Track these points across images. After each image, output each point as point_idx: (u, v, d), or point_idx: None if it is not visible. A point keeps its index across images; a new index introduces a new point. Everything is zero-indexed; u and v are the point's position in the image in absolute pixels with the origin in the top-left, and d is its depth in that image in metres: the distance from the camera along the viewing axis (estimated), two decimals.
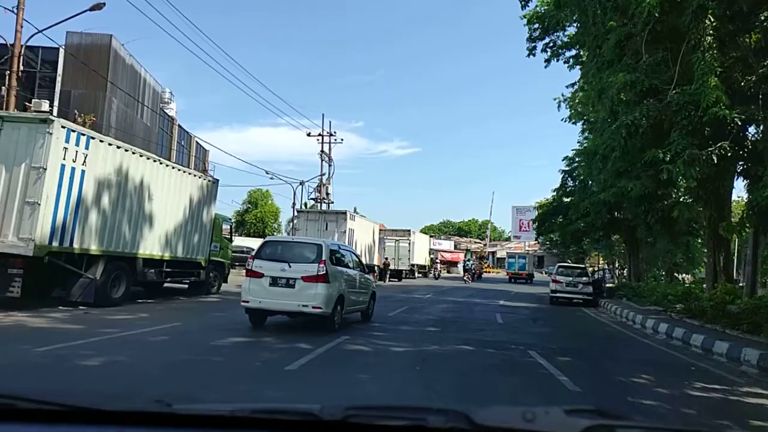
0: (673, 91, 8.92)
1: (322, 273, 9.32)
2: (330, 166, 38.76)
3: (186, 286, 16.85)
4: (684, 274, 42.58)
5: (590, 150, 15.03)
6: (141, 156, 13.39)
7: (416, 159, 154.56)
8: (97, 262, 12.09)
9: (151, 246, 13.83)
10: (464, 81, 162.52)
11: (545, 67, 22.90)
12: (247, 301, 9.51)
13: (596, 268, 30.69)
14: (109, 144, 12.30)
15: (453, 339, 10.14)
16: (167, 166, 14.53)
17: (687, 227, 17.26)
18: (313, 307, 9.25)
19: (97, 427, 1.29)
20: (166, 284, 16.19)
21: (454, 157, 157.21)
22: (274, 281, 9.40)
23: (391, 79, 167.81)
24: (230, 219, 18.63)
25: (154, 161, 13.94)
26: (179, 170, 15.13)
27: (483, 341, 10.15)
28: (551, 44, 22.26)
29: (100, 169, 11.93)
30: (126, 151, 12.84)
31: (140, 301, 14.12)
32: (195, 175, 16.04)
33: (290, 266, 9.40)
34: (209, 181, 16.77)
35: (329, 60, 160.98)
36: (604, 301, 21.47)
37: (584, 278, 22.27)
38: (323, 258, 9.49)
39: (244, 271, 10.13)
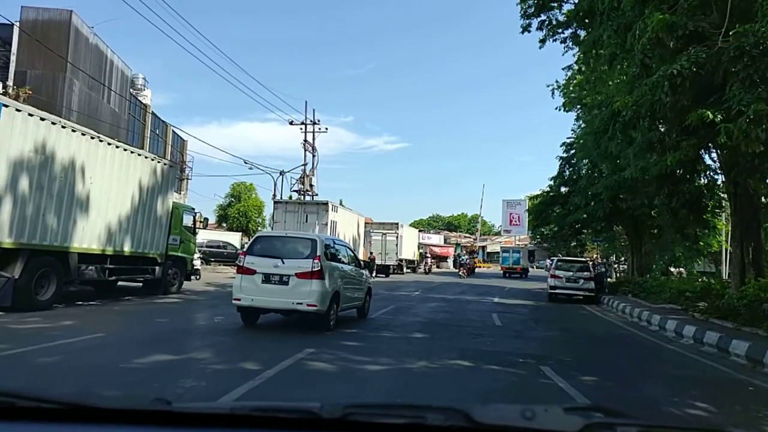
0: (731, 32, 7.00)
1: (316, 269, 8.88)
2: (314, 156, 36.67)
3: (141, 284, 14.83)
4: (678, 268, 41.04)
5: (599, 128, 13.17)
6: (74, 131, 11.26)
7: (405, 154, 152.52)
8: (16, 258, 10.01)
9: (89, 239, 11.74)
10: (454, 79, 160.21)
11: (540, 47, 21.28)
12: (239, 299, 9.07)
13: (596, 262, 28.94)
14: (30, 114, 10.14)
15: (445, 350, 8.21)
16: (109, 144, 12.39)
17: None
18: (308, 305, 8.77)
19: (96, 426, 1.28)
20: (120, 283, 14.20)
21: (443, 152, 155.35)
22: (267, 278, 8.97)
23: (382, 75, 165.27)
24: (194, 209, 16.52)
25: (92, 138, 11.81)
26: (125, 150, 13.00)
27: (481, 352, 8.24)
28: (547, 22, 20.70)
29: (17, 145, 9.81)
30: (53, 124, 10.70)
31: (80, 303, 12.05)
32: (147, 157, 13.91)
33: (283, 262, 8.97)
34: (165, 164, 14.65)
35: (320, 57, 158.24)
36: (607, 298, 19.70)
37: (585, 273, 20.45)
38: (318, 253, 9.03)
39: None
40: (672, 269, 39.73)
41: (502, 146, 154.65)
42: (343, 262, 10.36)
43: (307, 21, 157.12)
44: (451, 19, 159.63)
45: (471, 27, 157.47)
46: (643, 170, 9.69)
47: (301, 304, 8.77)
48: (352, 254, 11.68)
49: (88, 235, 11.70)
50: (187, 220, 16.10)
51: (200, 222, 17.07)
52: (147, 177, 13.68)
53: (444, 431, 1.24)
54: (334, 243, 10.76)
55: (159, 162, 14.35)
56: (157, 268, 14.31)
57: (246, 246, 10.29)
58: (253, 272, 9.05)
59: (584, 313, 16.72)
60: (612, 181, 13.76)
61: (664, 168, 9.66)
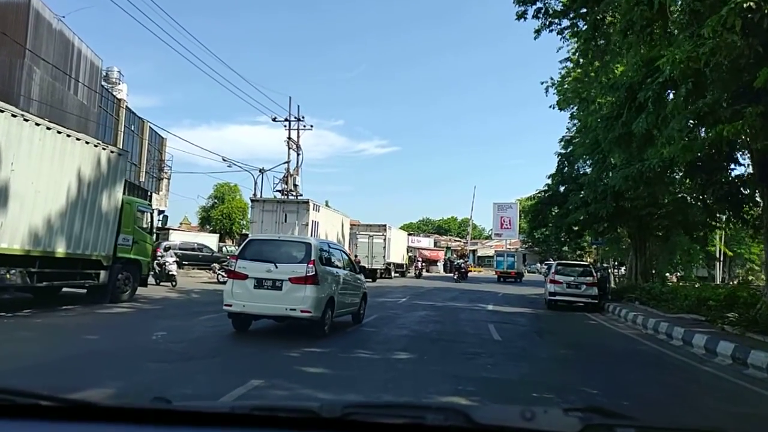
0: None
1: (311, 274, 8.61)
2: (298, 154, 34.74)
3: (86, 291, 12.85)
4: (675, 273, 39.67)
5: (611, 112, 11.51)
6: None
7: (396, 158, 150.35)
8: None
9: (9, 237, 9.79)
10: (445, 81, 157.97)
11: (535, 38, 19.86)
12: (230, 305, 8.76)
13: (596, 267, 27.25)
14: None
15: (435, 379, 6.38)
16: (38, 125, 10.43)
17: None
18: (302, 311, 8.50)
19: (97, 424, 1.27)
20: (66, 288, 12.24)
21: (433, 155, 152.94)
22: (259, 283, 8.72)
23: (372, 78, 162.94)
24: (149, 205, 14.58)
25: (14, 116, 9.86)
26: (60, 133, 11.01)
27: (481, 381, 6.46)
28: (543, 11, 19.31)
29: None
30: None
31: (2, 314, 10.08)
32: (89, 143, 11.91)
33: (276, 267, 8.70)
34: (113, 151, 12.65)
35: (309, 58, 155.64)
36: (611, 306, 17.98)
37: (588, 278, 18.71)
38: (312, 257, 8.76)
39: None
40: (667, 274, 38.32)
41: (493, 149, 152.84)
42: (337, 267, 10.06)
43: (301, 23, 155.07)
44: (442, 18, 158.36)
45: (462, 27, 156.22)
46: (685, 149, 7.94)
47: (295, 310, 8.50)
48: (347, 258, 11.36)
49: (7, 234, 9.75)
50: (143, 218, 14.16)
51: (159, 220, 15.12)
52: (89, 166, 11.73)
53: (443, 431, 1.23)
54: (329, 246, 10.47)
55: (105, 149, 12.38)
56: (102, 272, 12.34)
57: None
58: (244, 277, 8.76)
59: (591, 323, 14.99)
60: (634, 170, 12.03)
61: (700, 150, 7.92)
